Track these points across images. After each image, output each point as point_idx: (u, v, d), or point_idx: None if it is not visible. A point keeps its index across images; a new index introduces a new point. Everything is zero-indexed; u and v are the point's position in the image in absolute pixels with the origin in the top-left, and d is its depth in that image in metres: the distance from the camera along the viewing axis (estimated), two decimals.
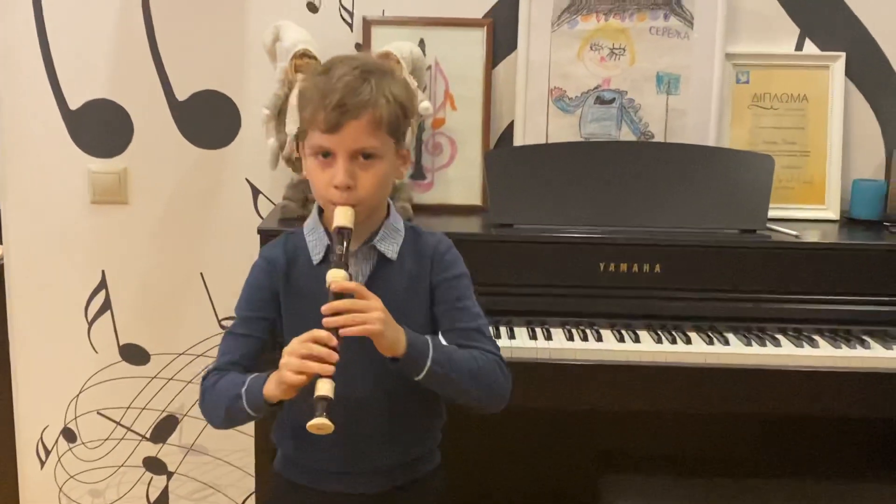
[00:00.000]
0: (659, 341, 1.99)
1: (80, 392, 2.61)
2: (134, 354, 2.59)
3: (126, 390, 2.61)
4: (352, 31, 2.40)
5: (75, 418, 2.63)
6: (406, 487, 1.61)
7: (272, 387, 1.43)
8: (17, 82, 2.44)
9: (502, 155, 2.29)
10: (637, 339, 2.00)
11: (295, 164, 2.22)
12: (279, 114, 2.19)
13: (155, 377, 2.60)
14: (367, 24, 2.36)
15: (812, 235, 2.19)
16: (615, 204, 2.15)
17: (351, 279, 1.44)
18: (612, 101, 2.37)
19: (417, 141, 2.36)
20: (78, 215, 2.51)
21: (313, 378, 1.37)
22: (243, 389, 1.47)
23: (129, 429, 2.63)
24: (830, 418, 2.25)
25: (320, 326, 1.40)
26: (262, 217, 2.47)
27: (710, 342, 1.99)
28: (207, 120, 2.46)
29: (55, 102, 2.45)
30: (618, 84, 2.36)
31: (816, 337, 2.02)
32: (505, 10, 2.37)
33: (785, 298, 2.08)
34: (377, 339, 1.42)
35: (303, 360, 1.38)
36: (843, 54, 2.36)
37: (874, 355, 1.97)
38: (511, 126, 2.40)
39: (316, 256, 1.56)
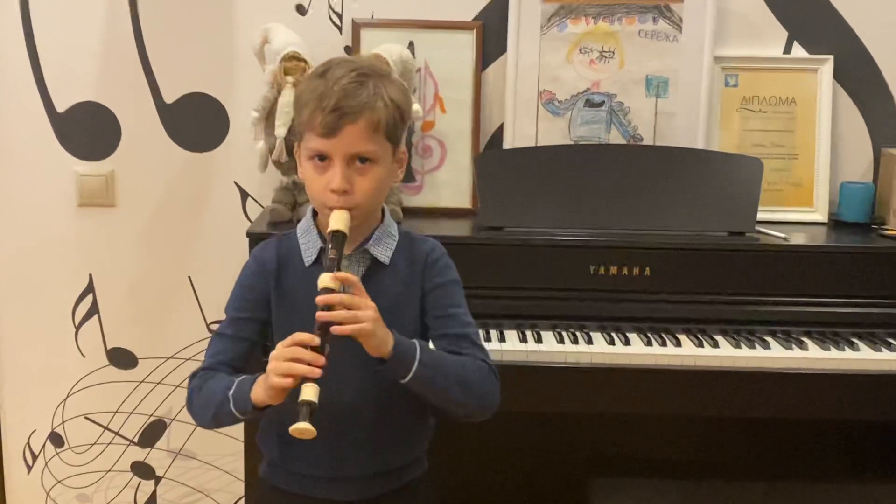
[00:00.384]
0: (649, 344, 2.00)
1: (67, 396, 2.59)
2: (122, 358, 2.58)
3: (114, 395, 2.59)
4: (341, 33, 2.39)
5: (62, 423, 2.61)
6: (393, 494, 1.60)
7: (259, 391, 1.42)
8: (3, 84, 2.43)
9: (492, 158, 2.29)
10: (627, 342, 2.00)
11: (284, 167, 2.22)
12: (268, 116, 2.19)
13: (143, 381, 2.59)
14: (357, 27, 2.35)
15: (800, 238, 2.20)
16: (605, 207, 2.16)
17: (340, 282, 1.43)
18: (601, 104, 2.37)
19: (407, 144, 2.35)
20: (65, 218, 2.49)
21: (301, 383, 1.37)
22: (230, 393, 1.46)
23: (116, 433, 2.62)
24: (820, 420, 2.25)
25: (310, 328, 1.39)
26: (250, 220, 2.46)
27: (700, 344, 2.00)
28: (195, 123, 2.45)
29: (42, 105, 2.43)
30: (607, 87, 2.37)
31: (805, 339, 2.03)
32: (494, 13, 2.37)
33: (774, 301, 2.09)
34: (366, 339, 1.41)
35: (289, 364, 1.37)
36: (831, 57, 2.37)
37: (862, 357, 1.97)
38: (501, 129, 2.40)
39: (308, 258, 1.55)
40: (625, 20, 2.34)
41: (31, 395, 2.59)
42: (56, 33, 2.40)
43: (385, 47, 2.21)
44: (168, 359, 2.57)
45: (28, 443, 2.63)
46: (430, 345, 1.56)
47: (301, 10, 2.39)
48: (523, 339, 2.00)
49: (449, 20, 2.37)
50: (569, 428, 2.34)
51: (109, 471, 2.64)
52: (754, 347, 1.99)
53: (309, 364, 1.36)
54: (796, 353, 1.98)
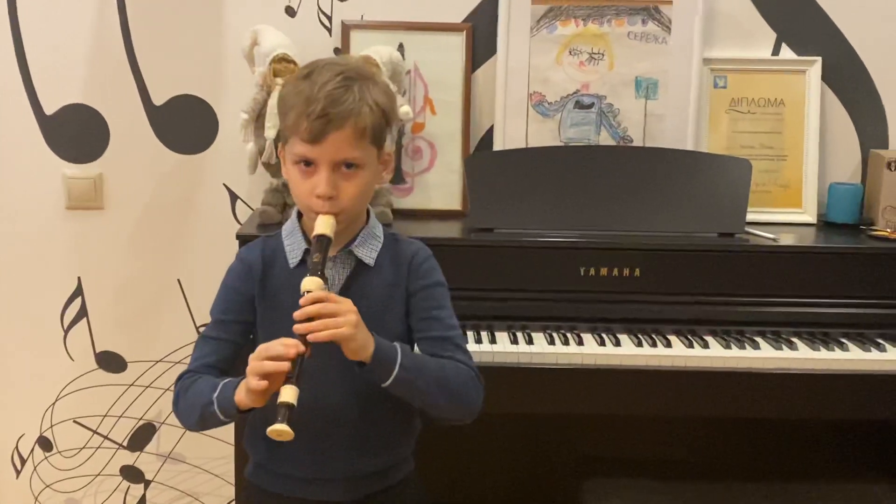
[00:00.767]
0: (639, 345, 2.00)
1: (56, 400, 2.58)
2: (111, 362, 2.57)
3: (103, 398, 2.58)
4: (330, 35, 2.39)
5: (51, 427, 2.60)
6: (379, 495, 1.60)
7: (242, 394, 1.42)
8: None
9: (482, 159, 2.29)
10: (618, 343, 2.00)
11: (273, 169, 2.21)
12: (257, 118, 2.18)
13: (132, 385, 2.58)
14: (346, 29, 2.35)
15: (789, 239, 2.20)
16: (595, 208, 2.16)
17: (327, 285, 1.43)
18: (591, 105, 2.38)
19: (397, 146, 2.36)
20: (53, 221, 2.48)
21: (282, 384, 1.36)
22: (215, 395, 1.46)
23: (105, 437, 2.61)
24: (810, 420, 2.26)
25: (294, 330, 1.39)
26: (239, 222, 2.45)
27: (690, 345, 2.00)
28: (184, 125, 2.44)
29: (30, 107, 2.42)
30: (597, 89, 2.37)
31: (795, 339, 2.03)
32: (484, 15, 2.37)
33: (763, 301, 2.09)
34: (346, 342, 1.40)
35: (260, 363, 1.37)
36: (820, 59, 2.38)
37: (852, 357, 1.98)
38: (491, 131, 2.40)
39: (293, 260, 1.55)
40: (614, 22, 2.35)
41: (20, 399, 2.57)
42: (44, 35, 2.39)
43: (375, 49, 2.21)
44: (157, 362, 2.56)
45: (17, 447, 2.61)
46: (416, 347, 1.56)
47: (290, 11, 2.38)
48: (514, 341, 2.00)
49: (439, 22, 2.37)
50: (559, 429, 2.34)
51: (98, 475, 2.63)
52: (744, 348, 1.99)
53: (279, 360, 1.35)
54: (786, 353, 1.98)
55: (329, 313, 1.39)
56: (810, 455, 2.34)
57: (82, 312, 2.54)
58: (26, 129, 2.43)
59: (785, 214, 2.38)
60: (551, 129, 2.38)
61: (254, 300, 1.56)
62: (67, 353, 2.56)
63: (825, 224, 2.36)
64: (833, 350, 2.00)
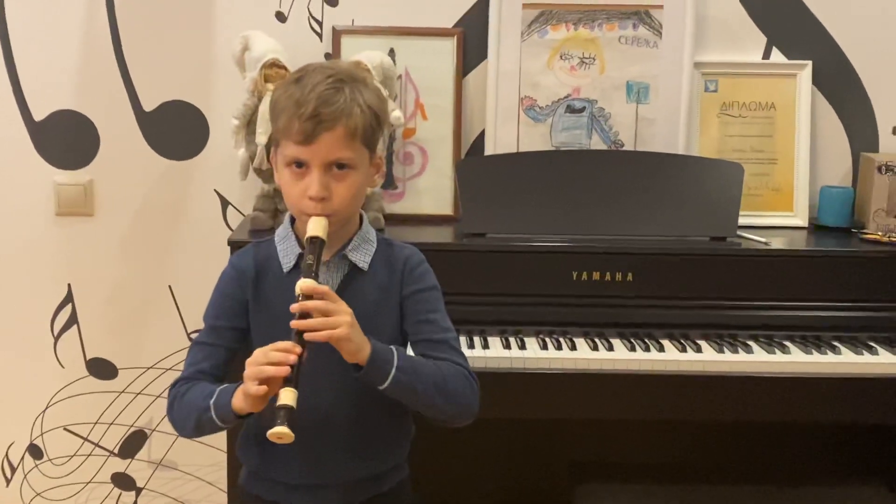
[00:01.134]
0: (632, 349, 2.00)
1: (46, 408, 2.56)
2: (101, 369, 2.55)
3: (93, 405, 2.57)
4: (321, 40, 2.38)
5: (41, 434, 2.58)
6: (373, 501, 1.60)
7: (240, 399, 1.42)
8: None
9: (474, 164, 2.29)
10: (610, 348, 2.00)
11: (265, 174, 2.21)
12: (248, 124, 2.18)
13: (123, 392, 2.56)
14: (337, 34, 2.35)
15: (781, 242, 2.21)
16: (587, 212, 2.16)
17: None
18: (582, 109, 2.38)
19: (388, 151, 2.35)
20: (43, 228, 2.47)
21: (280, 388, 1.36)
22: (211, 402, 1.46)
23: (96, 444, 2.59)
24: (803, 423, 2.26)
25: (289, 335, 1.39)
26: (231, 228, 2.44)
27: (683, 349, 2.00)
28: (175, 130, 2.43)
29: (19, 113, 2.41)
30: (588, 93, 2.37)
31: (787, 343, 2.04)
32: (475, 20, 2.37)
33: (756, 305, 2.10)
34: (342, 345, 1.40)
35: (260, 367, 1.36)
36: (810, 63, 2.38)
37: (845, 361, 1.98)
38: (482, 135, 2.40)
39: (287, 265, 1.55)
40: (605, 26, 2.35)
41: (10, 407, 2.56)
42: (33, 41, 2.38)
43: (366, 54, 2.20)
44: (148, 369, 2.55)
45: (6, 455, 2.59)
46: (410, 351, 1.55)
47: (281, 17, 2.38)
48: (507, 346, 2.00)
49: (429, 27, 2.37)
50: (552, 434, 2.34)
51: (89, 482, 2.62)
52: (737, 352, 2.00)
53: (279, 364, 1.35)
54: (779, 357, 1.99)
55: (325, 311, 1.39)
56: (803, 458, 2.35)
57: (72, 319, 2.52)
58: (15, 135, 2.42)
59: (776, 218, 2.38)
60: (542, 133, 2.38)
61: (247, 306, 1.56)
62: (58, 360, 2.54)
63: (816, 227, 2.36)
64: (825, 353, 2.00)
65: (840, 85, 2.42)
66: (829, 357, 1.99)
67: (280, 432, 1.32)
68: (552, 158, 2.27)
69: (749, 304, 2.09)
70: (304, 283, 1.40)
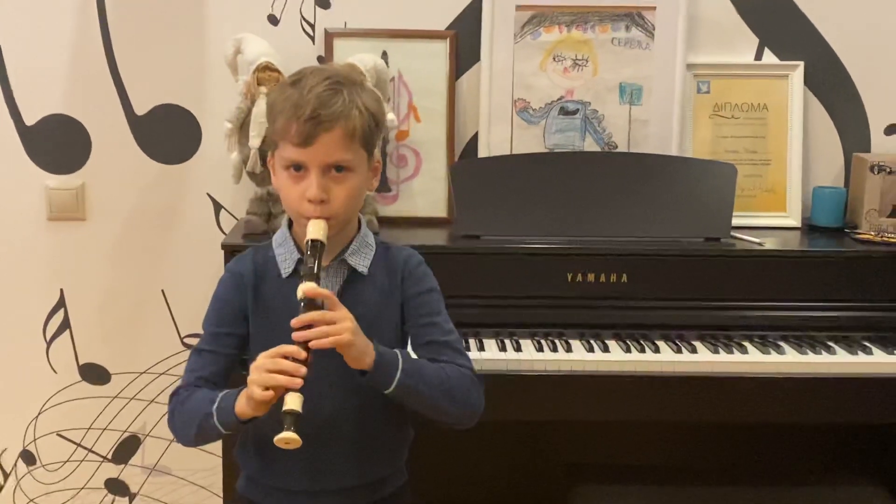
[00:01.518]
0: (628, 350, 2.00)
1: (39, 413, 2.55)
2: (94, 374, 2.54)
3: (86, 411, 2.56)
4: (313, 43, 2.38)
5: (34, 440, 2.57)
6: None
7: (243, 404, 1.41)
8: None
9: (467, 166, 2.28)
10: (606, 349, 2.00)
11: (258, 178, 2.20)
12: (241, 127, 2.17)
13: (116, 397, 2.55)
14: (329, 37, 2.34)
15: (775, 243, 2.21)
16: (581, 214, 2.16)
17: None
18: (575, 111, 2.38)
19: (381, 153, 2.35)
20: (35, 233, 2.45)
21: (284, 394, 1.35)
22: (214, 408, 1.45)
23: (90, 450, 2.58)
24: (799, 424, 2.27)
25: (289, 341, 1.38)
26: (224, 232, 2.44)
27: (678, 350, 2.00)
28: (167, 134, 2.42)
29: (10, 118, 2.40)
30: (581, 95, 2.37)
31: (782, 343, 2.04)
32: (468, 22, 2.37)
33: (750, 305, 2.10)
34: (347, 350, 1.40)
35: (270, 374, 1.36)
36: (802, 63, 2.39)
37: (839, 360, 1.99)
38: (475, 138, 2.40)
39: (285, 270, 1.54)
40: (598, 28, 2.35)
41: (2, 413, 2.54)
42: (24, 45, 2.37)
43: (359, 57, 2.20)
44: (141, 373, 2.54)
45: None
46: (412, 353, 1.55)
47: (273, 20, 2.37)
48: (502, 348, 2.00)
49: (422, 29, 2.37)
50: (548, 436, 2.34)
51: (83, 488, 2.60)
52: (732, 352, 2.00)
53: (290, 374, 1.35)
54: (774, 357, 1.99)
55: (327, 320, 1.38)
56: (799, 459, 2.35)
57: (65, 324, 2.51)
58: (6, 139, 2.40)
59: (770, 218, 2.39)
60: (536, 135, 2.38)
61: (247, 311, 1.55)
62: (50, 365, 2.53)
63: (810, 228, 2.37)
64: (820, 353, 2.01)
65: (832, 85, 2.42)
66: (824, 357, 1.99)
67: (288, 438, 1.32)
68: (546, 160, 2.27)
69: (744, 305, 2.10)
70: (306, 287, 1.40)
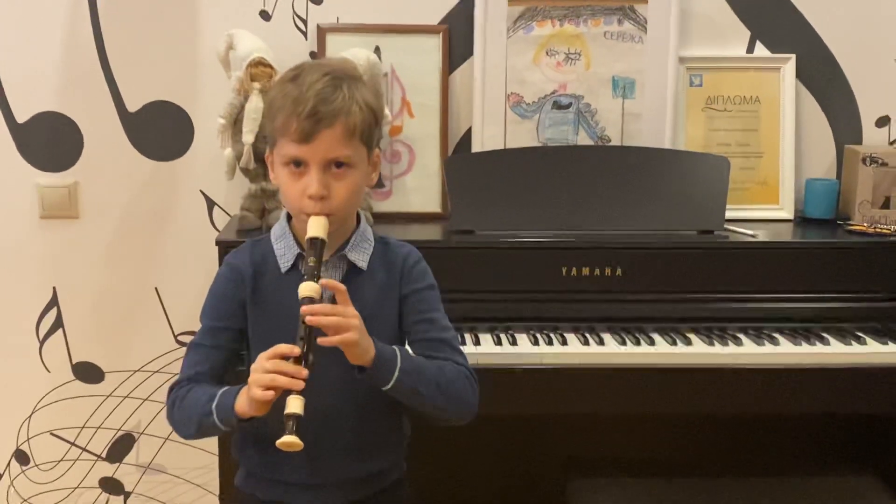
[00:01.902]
0: (623, 343, 2.00)
1: (32, 413, 2.54)
2: (88, 372, 2.53)
3: (80, 409, 2.55)
4: (306, 38, 2.37)
5: (28, 440, 2.56)
6: (372, 499, 1.60)
7: (243, 403, 1.41)
8: None
9: (461, 161, 2.28)
10: (601, 342, 2.00)
11: (252, 174, 2.20)
12: (235, 123, 2.17)
13: (110, 395, 2.54)
14: (322, 32, 2.34)
15: (768, 235, 2.22)
16: (575, 208, 2.16)
17: (321, 290, 1.42)
18: (568, 105, 2.38)
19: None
20: (27, 231, 2.44)
21: (283, 393, 1.35)
22: (213, 405, 1.45)
23: (84, 449, 2.57)
24: (794, 415, 2.28)
25: (288, 336, 1.38)
26: (217, 229, 2.43)
27: (674, 343, 2.01)
28: (160, 131, 2.42)
29: (2, 115, 2.38)
30: (574, 89, 2.37)
31: (776, 335, 2.05)
32: (460, 17, 2.36)
33: (744, 298, 2.11)
34: (350, 348, 1.40)
35: (271, 376, 1.35)
36: (794, 56, 2.39)
37: (834, 351, 2.00)
38: (469, 132, 2.39)
39: (285, 264, 1.54)
40: (590, 22, 2.35)
41: None
42: (15, 42, 2.36)
43: (352, 52, 2.20)
44: (135, 372, 2.53)
45: None
46: (409, 349, 1.55)
47: (265, 15, 2.37)
48: (498, 342, 2.00)
49: (415, 24, 2.36)
50: (545, 429, 2.34)
51: (77, 487, 2.59)
52: (727, 344, 2.01)
53: (292, 377, 1.34)
54: (768, 348, 2.00)
55: (337, 314, 1.38)
56: (794, 450, 2.36)
57: (58, 323, 2.50)
58: None
59: (763, 211, 2.39)
60: (529, 129, 2.38)
61: (245, 306, 1.55)
62: (43, 364, 2.52)
63: (802, 220, 2.38)
64: (814, 344, 2.01)
65: (824, 78, 2.43)
66: (819, 348, 2.00)
67: (289, 441, 1.32)
68: (540, 154, 2.28)
69: (738, 297, 2.11)
70: (305, 287, 1.39)
